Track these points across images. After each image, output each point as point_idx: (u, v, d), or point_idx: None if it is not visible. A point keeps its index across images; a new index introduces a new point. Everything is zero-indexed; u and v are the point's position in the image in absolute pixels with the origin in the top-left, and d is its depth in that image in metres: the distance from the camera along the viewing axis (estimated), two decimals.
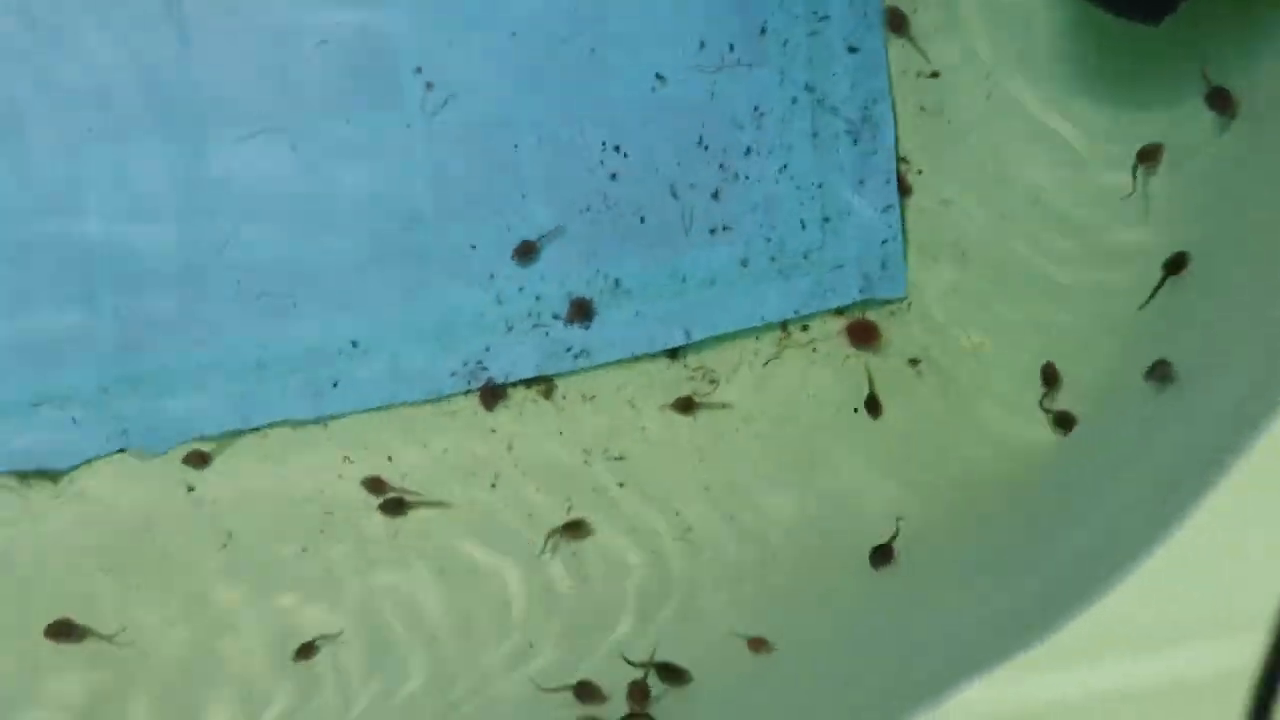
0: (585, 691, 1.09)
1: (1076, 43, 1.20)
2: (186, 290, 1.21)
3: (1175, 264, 1.10)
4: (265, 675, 1.15)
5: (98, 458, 1.20)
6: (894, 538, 1.13)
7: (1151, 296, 1.11)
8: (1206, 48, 1.11)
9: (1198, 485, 0.77)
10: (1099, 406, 1.15)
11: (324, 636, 1.16)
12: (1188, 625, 0.75)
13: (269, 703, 1.14)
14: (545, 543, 1.18)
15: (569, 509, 1.21)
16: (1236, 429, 0.79)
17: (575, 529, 1.19)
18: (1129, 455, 1.02)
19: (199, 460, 1.21)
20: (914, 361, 1.24)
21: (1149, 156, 1.14)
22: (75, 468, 1.21)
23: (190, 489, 1.21)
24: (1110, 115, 1.18)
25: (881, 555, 1.14)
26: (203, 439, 1.21)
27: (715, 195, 1.24)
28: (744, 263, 1.24)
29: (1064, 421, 1.16)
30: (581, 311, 1.23)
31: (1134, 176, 1.15)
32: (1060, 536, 0.96)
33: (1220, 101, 1.09)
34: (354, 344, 1.22)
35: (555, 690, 1.09)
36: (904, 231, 1.24)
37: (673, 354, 1.25)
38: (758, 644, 1.09)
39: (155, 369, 1.21)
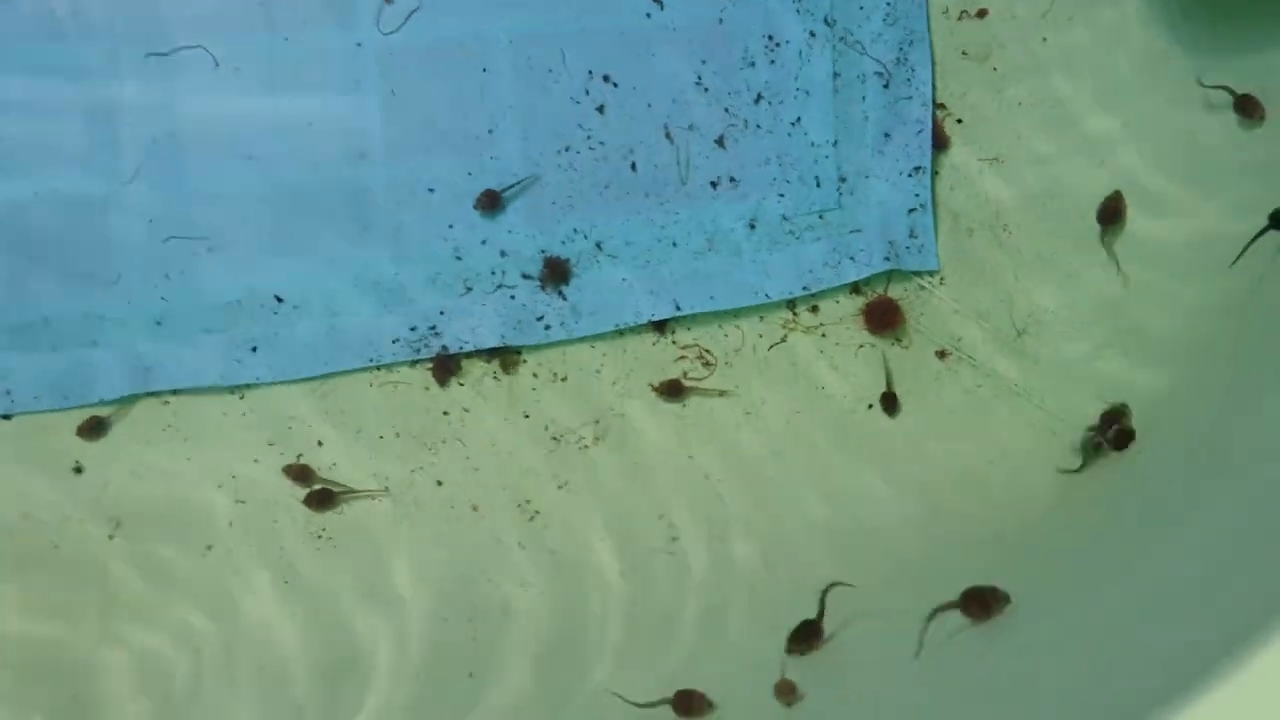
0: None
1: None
2: (83, 226, 1.01)
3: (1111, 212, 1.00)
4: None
5: None
6: (821, 614, 0.93)
7: (1246, 247, 0.95)
8: None
9: None
10: (1161, 421, 0.98)
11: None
12: None
13: None
14: None
15: (531, 517, 1.02)
16: None
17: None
18: (1194, 489, 0.85)
19: (93, 430, 1.01)
20: (942, 354, 1.06)
21: (1248, 109, 0.97)
22: None
23: (78, 470, 1.01)
24: (1194, 63, 1.00)
25: (806, 635, 0.92)
26: (100, 404, 1.01)
27: (720, 141, 1.05)
28: (751, 225, 1.05)
29: (1121, 440, 0.98)
30: (556, 273, 1.03)
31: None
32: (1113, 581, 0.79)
33: (1248, 107, 0.96)
34: (279, 299, 1.02)
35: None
36: (935, 197, 1.06)
37: (660, 328, 1.06)
38: (786, 690, 0.89)
39: (42, 317, 1.01)
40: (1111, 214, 1.01)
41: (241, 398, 1.02)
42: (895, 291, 1.06)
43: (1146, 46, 1.02)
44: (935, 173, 1.06)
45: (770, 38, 1.05)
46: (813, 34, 1.06)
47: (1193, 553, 0.77)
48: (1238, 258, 0.95)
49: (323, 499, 1.00)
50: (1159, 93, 1.03)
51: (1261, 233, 0.94)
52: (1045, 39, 1.06)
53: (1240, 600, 0.66)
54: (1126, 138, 1.03)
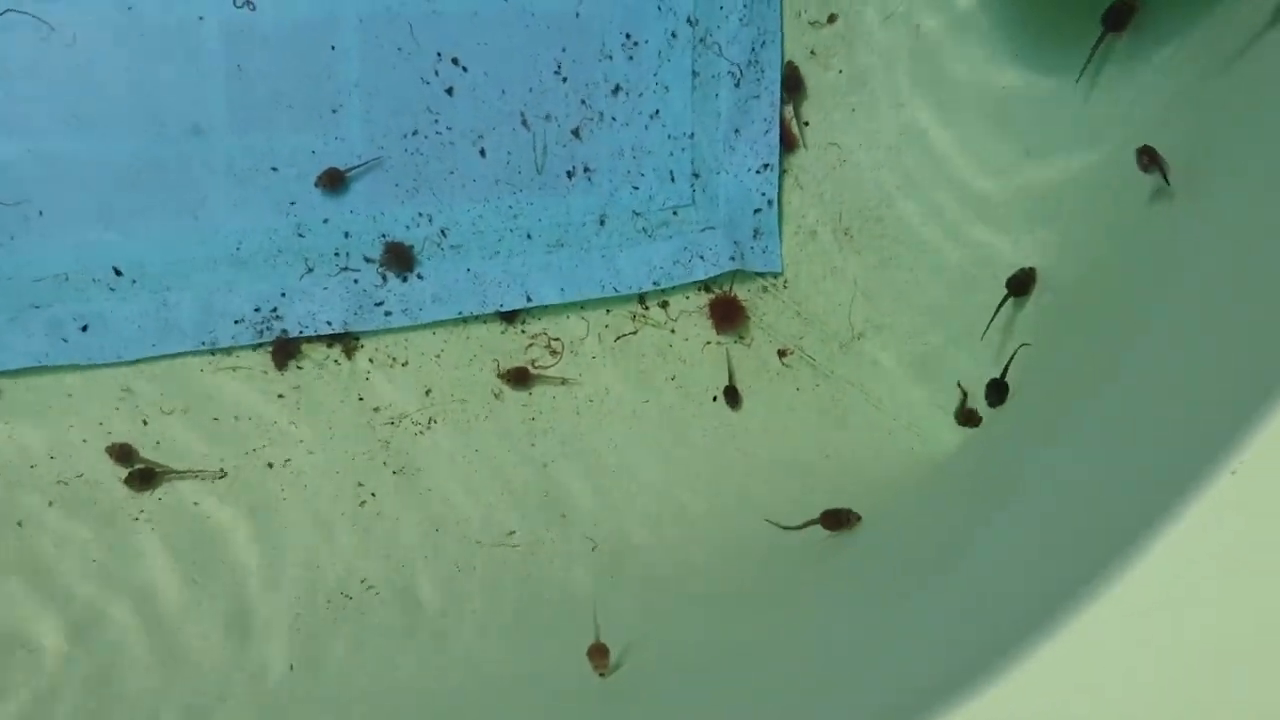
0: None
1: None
2: None
3: (1020, 284, 0.99)
4: None
5: None
6: (1005, 372, 0.95)
7: (993, 317, 0.99)
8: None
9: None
10: (991, 416, 1.01)
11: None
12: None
13: None
14: None
15: (363, 501, 1.00)
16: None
17: None
18: (1026, 466, 0.88)
19: None
20: (783, 352, 1.07)
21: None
22: None
23: None
24: (1030, 70, 1.02)
25: (999, 391, 0.96)
26: None
27: (576, 133, 1.05)
28: (602, 220, 1.06)
29: (970, 418, 1.01)
30: (398, 259, 1.02)
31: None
32: (949, 568, 0.81)
33: (1148, 159, 0.95)
34: (117, 272, 0.99)
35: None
36: (781, 199, 1.07)
37: (508, 317, 1.05)
38: (599, 653, 0.89)
39: None
40: (1022, 286, 1.00)
41: (69, 376, 0.98)
42: (740, 290, 1.08)
43: (980, 53, 1.04)
44: (783, 172, 1.08)
45: (628, 35, 1.05)
46: (674, 34, 1.06)
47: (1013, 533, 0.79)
48: (985, 330, 0.99)
49: (145, 478, 0.97)
50: (991, 99, 1.05)
51: (1003, 302, 0.98)
52: (889, 44, 1.07)
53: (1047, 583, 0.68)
54: (959, 145, 1.05)
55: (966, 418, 1.02)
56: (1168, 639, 0.58)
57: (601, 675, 0.86)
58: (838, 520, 0.92)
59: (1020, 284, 1.00)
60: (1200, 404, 0.69)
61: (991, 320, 0.99)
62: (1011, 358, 0.96)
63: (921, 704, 0.61)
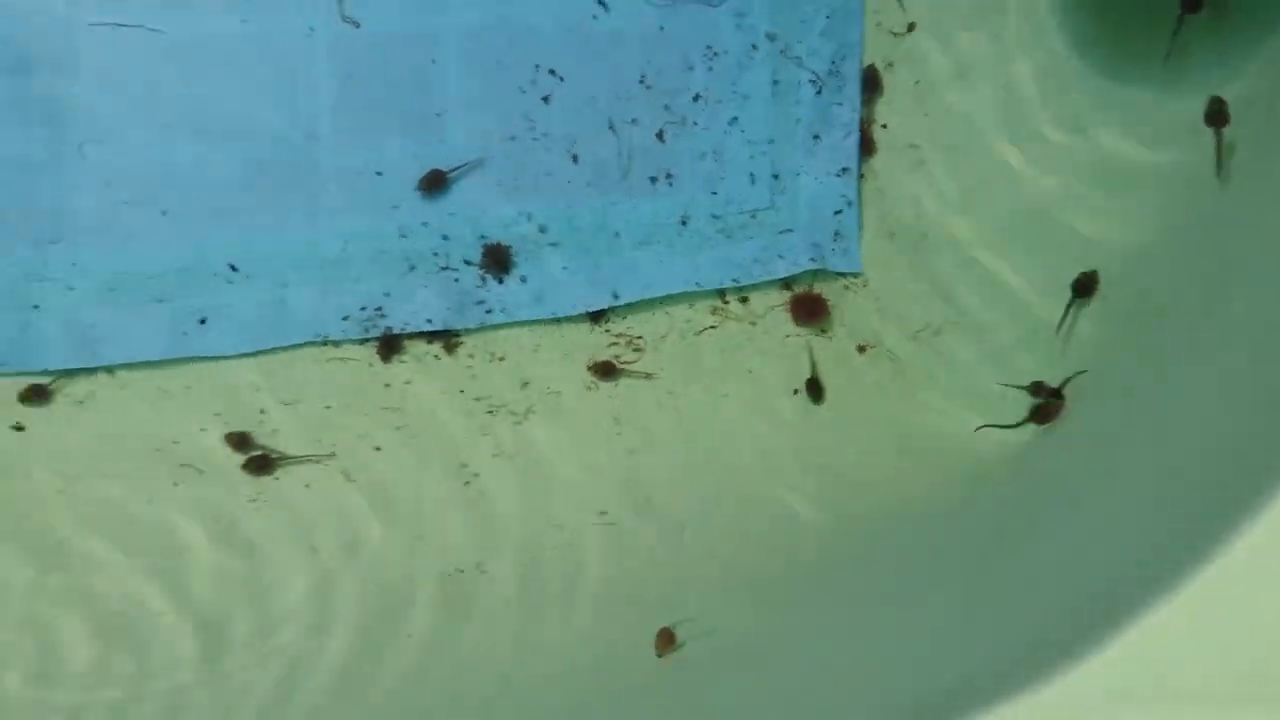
0: None
1: (1083, 8, 1.08)
2: (34, 188, 1.03)
3: (1084, 286, 1.03)
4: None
5: None
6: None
7: (1063, 319, 1.03)
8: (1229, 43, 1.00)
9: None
10: (1054, 428, 1.04)
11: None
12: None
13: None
14: None
15: (467, 482, 1.06)
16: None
17: None
18: (1101, 465, 0.91)
19: (36, 395, 1.03)
20: (863, 348, 1.12)
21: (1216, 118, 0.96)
22: None
23: (19, 428, 1.03)
24: (1103, 85, 1.06)
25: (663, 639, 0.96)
26: (43, 373, 1.03)
27: (660, 136, 1.10)
28: (684, 221, 1.11)
29: (1043, 415, 1.03)
30: (497, 260, 1.08)
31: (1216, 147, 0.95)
32: (1024, 553, 0.84)
33: (1216, 116, 0.96)
34: (233, 268, 1.05)
35: None
36: (860, 201, 1.12)
37: (596, 316, 1.11)
38: (666, 640, 0.94)
39: None
40: (1085, 288, 1.04)
41: (188, 368, 1.05)
42: (821, 287, 1.12)
43: (1056, 59, 1.08)
44: (861, 176, 1.12)
45: (709, 48, 1.10)
46: (754, 47, 1.11)
47: (1096, 527, 0.82)
48: (1059, 327, 1.03)
49: (262, 464, 1.03)
50: (1067, 104, 1.08)
51: (1071, 304, 1.02)
52: (965, 51, 1.12)
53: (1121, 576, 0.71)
54: (1033, 149, 1.08)
55: (1038, 414, 1.05)
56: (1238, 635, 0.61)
57: (659, 655, 0.92)
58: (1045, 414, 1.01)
59: (1084, 286, 1.04)
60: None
61: (1063, 320, 1.03)
62: (1068, 380, 1.01)
63: (980, 694, 0.64)
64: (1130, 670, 0.61)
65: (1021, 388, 1.05)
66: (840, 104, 1.11)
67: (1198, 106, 0.95)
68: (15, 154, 1.02)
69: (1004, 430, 1.04)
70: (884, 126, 1.13)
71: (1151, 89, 1.05)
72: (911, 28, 1.12)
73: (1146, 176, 1.05)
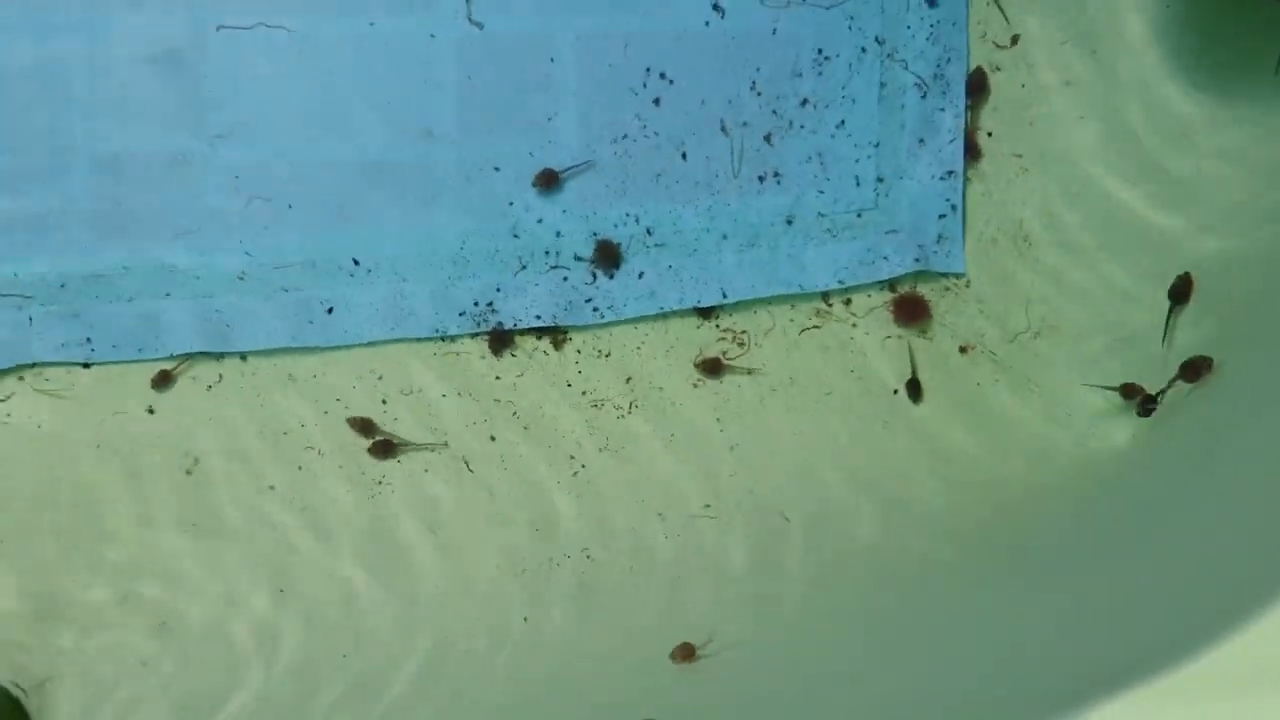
0: None
1: (1179, 20, 1.09)
2: (169, 181, 1.08)
3: (1180, 291, 1.06)
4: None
5: (50, 364, 1.07)
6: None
7: (1166, 326, 1.06)
8: None
9: None
10: (1155, 427, 1.05)
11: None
12: None
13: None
14: None
15: (575, 472, 1.09)
16: None
17: None
18: (1195, 482, 0.92)
19: (163, 380, 1.08)
20: (964, 349, 1.13)
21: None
22: (21, 367, 1.06)
23: (151, 411, 1.08)
24: (1207, 103, 1.07)
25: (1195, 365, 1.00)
26: (172, 358, 1.08)
27: (768, 139, 1.13)
28: (789, 220, 1.13)
29: (1147, 404, 1.05)
30: (608, 257, 1.11)
31: None
32: (1125, 558, 0.85)
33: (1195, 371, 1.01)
34: (356, 261, 1.10)
35: None
36: (964, 205, 1.13)
37: (704, 312, 1.14)
38: (686, 652, 0.99)
39: (123, 267, 1.07)
40: (1182, 293, 1.06)
41: (314, 357, 1.10)
42: (923, 288, 1.14)
43: (1156, 73, 1.10)
44: (966, 180, 1.14)
45: (820, 51, 1.12)
46: (864, 50, 1.13)
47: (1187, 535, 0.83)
48: (1165, 339, 1.05)
49: (385, 449, 1.08)
50: (1168, 116, 1.10)
51: (1171, 311, 1.05)
52: (1068, 64, 1.13)
53: (1221, 585, 0.72)
54: (1135, 159, 1.10)
55: (1143, 406, 1.06)
56: None
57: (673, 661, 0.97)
58: (1196, 371, 1.02)
59: (1180, 291, 1.06)
60: None
61: (1167, 329, 1.05)
62: (1166, 388, 1.03)
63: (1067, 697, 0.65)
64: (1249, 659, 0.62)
65: (1113, 389, 1.07)
66: (944, 109, 1.13)
67: None
68: (157, 149, 1.07)
69: (1106, 432, 1.06)
70: (989, 134, 1.14)
71: (1255, 101, 1.06)
72: (1015, 40, 1.13)
73: (1245, 188, 1.06)
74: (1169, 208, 1.10)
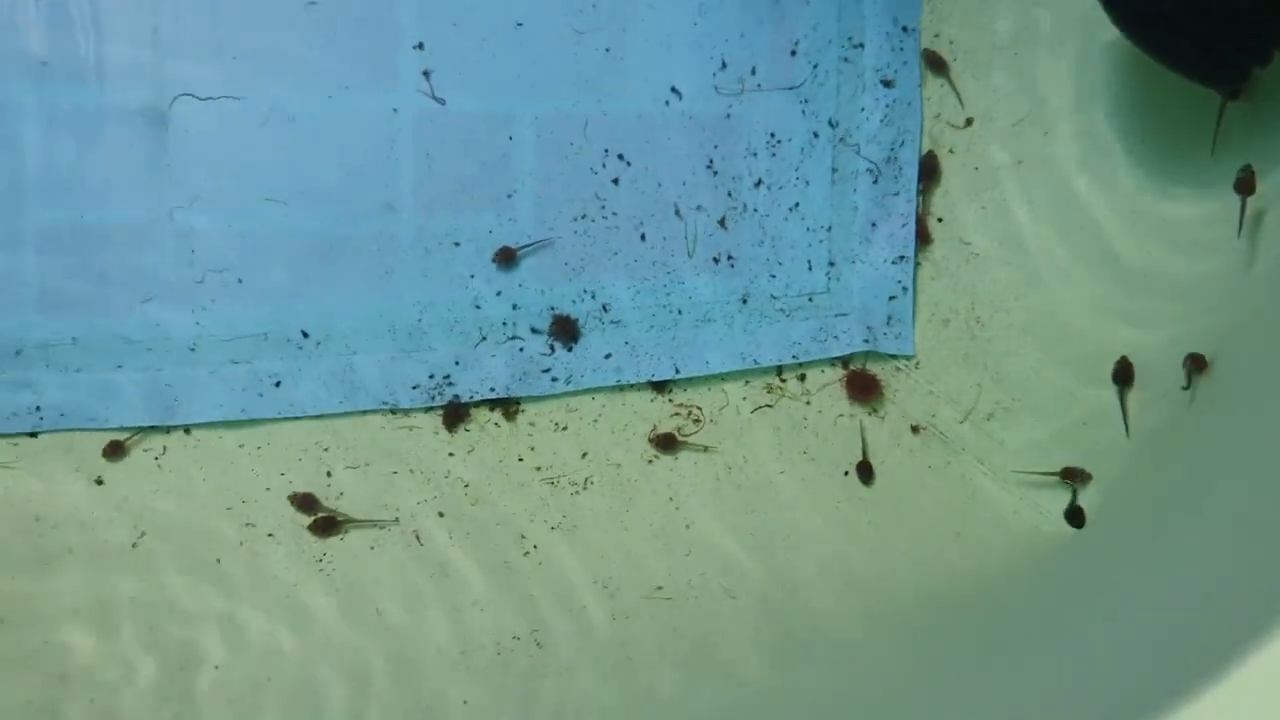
0: None
1: (1129, 104, 1.12)
2: (124, 251, 1.07)
3: (1122, 374, 1.07)
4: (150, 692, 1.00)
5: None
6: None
7: (1123, 409, 1.07)
8: (1265, 135, 1.05)
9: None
10: (1114, 503, 1.06)
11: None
12: None
13: None
14: None
15: (526, 553, 1.08)
16: None
17: None
18: (1145, 564, 0.92)
19: (114, 451, 1.06)
20: (916, 429, 1.14)
21: (1243, 186, 1.00)
22: None
23: (99, 482, 1.06)
24: (1154, 186, 1.10)
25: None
26: (122, 429, 1.07)
27: (722, 222, 1.15)
28: (744, 299, 1.14)
29: (1076, 517, 1.07)
30: (565, 331, 1.12)
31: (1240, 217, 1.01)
32: (1063, 648, 0.85)
33: (1244, 186, 1.00)
34: (305, 334, 1.09)
35: None
36: (915, 288, 1.15)
37: (658, 387, 1.14)
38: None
39: (75, 336, 1.07)
40: (1124, 376, 1.07)
41: (260, 429, 1.08)
42: (874, 367, 1.15)
43: (1106, 157, 1.12)
44: (918, 264, 1.16)
45: (773, 134, 1.15)
46: (816, 134, 1.16)
47: (1130, 623, 0.83)
48: (1124, 419, 1.07)
49: (327, 526, 1.06)
50: (1118, 201, 1.12)
51: (1121, 395, 1.07)
52: (1020, 148, 1.15)
53: (1171, 665, 0.72)
54: (1086, 243, 1.12)
55: (1074, 516, 1.07)
56: None
57: None
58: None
59: (1122, 375, 1.08)
60: None
61: (1125, 416, 1.07)
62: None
63: None
64: None
65: (1052, 473, 1.09)
66: (896, 193, 1.15)
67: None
68: (115, 219, 1.07)
69: (1058, 514, 1.07)
70: (940, 220, 1.16)
71: (1197, 182, 1.09)
72: (969, 123, 1.16)
73: (1191, 275, 1.09)
74: (1116, 291, 1.12)
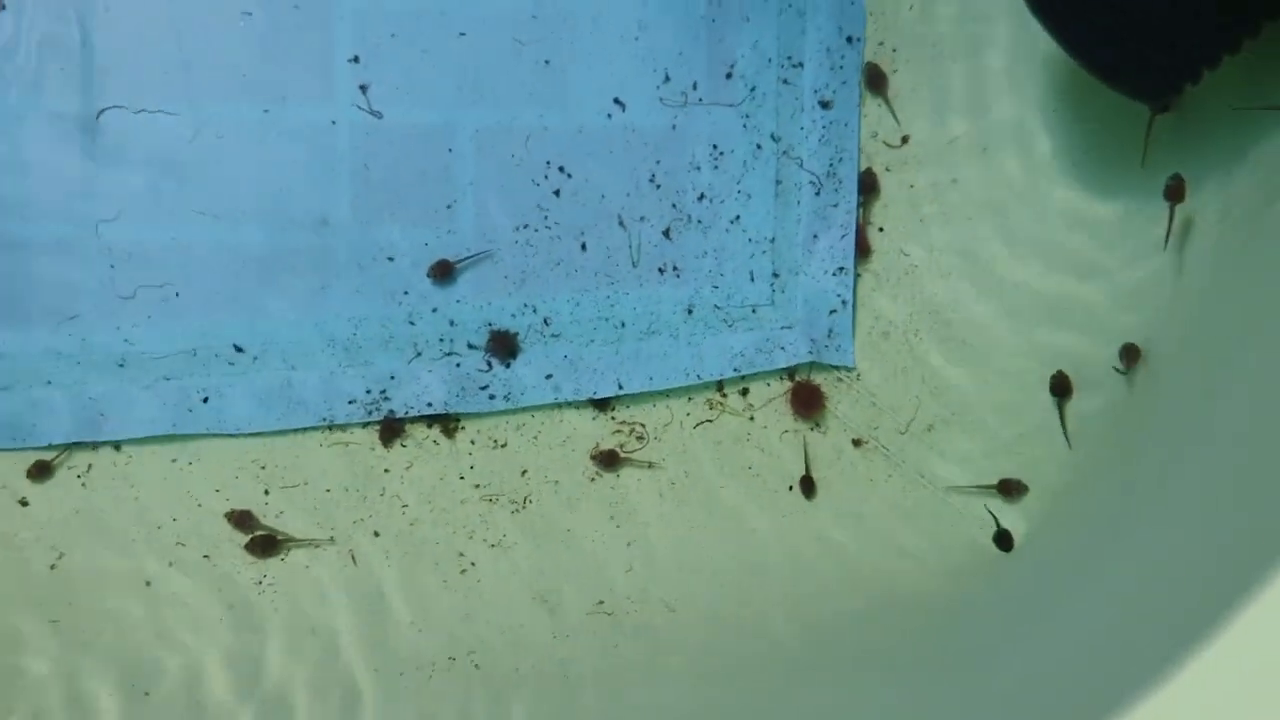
0: None
1: (1063, 118, 1.14)
2: (51, 266, 1.05)
3: (1059, 386, 1.09)
4: None
5: None
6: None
7: (1061, 420, 1.08)
8: (1192, 147, 1.07)
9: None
10: (1056, 513, 1.07)
11: None
12: None
13: None
14: None
15: (464, 570, 1.06)
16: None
17: None
18: (1083, 574, 0.93)
19: (40, 472, 1.04)
20: (858, 442, 1.14)
21: (1173, 193, 1.03)
22: None
23: (24, 503, 1.03)
24: (1089, 198, 1.12)
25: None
26: (49, 448, 1.04)
27: (666, 233, 1.14)
28: (690, 310, 1.14)
29: (1004, 541, 1.08)
30: (503, 346, 1.10)
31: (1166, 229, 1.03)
32: (999, 664, 0.86)
33: (1173, 193, 1.03)
34: (239, 349, 1.07)
35: None
36: (855, 300, 1.15)
37: (600, 404, 1.13)
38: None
39: (1, 354, 1.04)
40: (1062, 389, 1.09)
41: (194, 445, 1.06)
42: (817, 378, 1.15)
43: (1045, 174, 1.13)
44: (858, 275, 1.16)
45: (715, 147, 1.15)
46: (759, 146, 1.15)
47: (1071, 636, 0.84)
48: (1067, 439, 1.08)
49: (265, 545, 1.03)
50: (1054, 213, 1.13)
51: (1060, 408, 1.09)
52: (957, 162, 1.16)
53: (1112, 676, 0.72)
54: (1025, 254, 1.13)
55: (1002, 540, 1.08)
56: None
57: None
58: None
59: (1059, 387, 1.09)
60: (1265, 506, 0.73)
61: (1065, 428, 1.08)
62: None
63: None
64: None
65: (989, 487, 1.09)
66: (836, 205, 1.15)
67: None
68: (41, 234, 1.05)
69: (991, 528, 1.07)
70: (880, 230, 1.17)
71: (1131, 194, 1.11)
72: (906, 140, 1.17)
73: (1126, 284, 1.10)
74: (1054, 303, 1.13)
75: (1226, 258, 1.00)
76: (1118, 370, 1.05)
